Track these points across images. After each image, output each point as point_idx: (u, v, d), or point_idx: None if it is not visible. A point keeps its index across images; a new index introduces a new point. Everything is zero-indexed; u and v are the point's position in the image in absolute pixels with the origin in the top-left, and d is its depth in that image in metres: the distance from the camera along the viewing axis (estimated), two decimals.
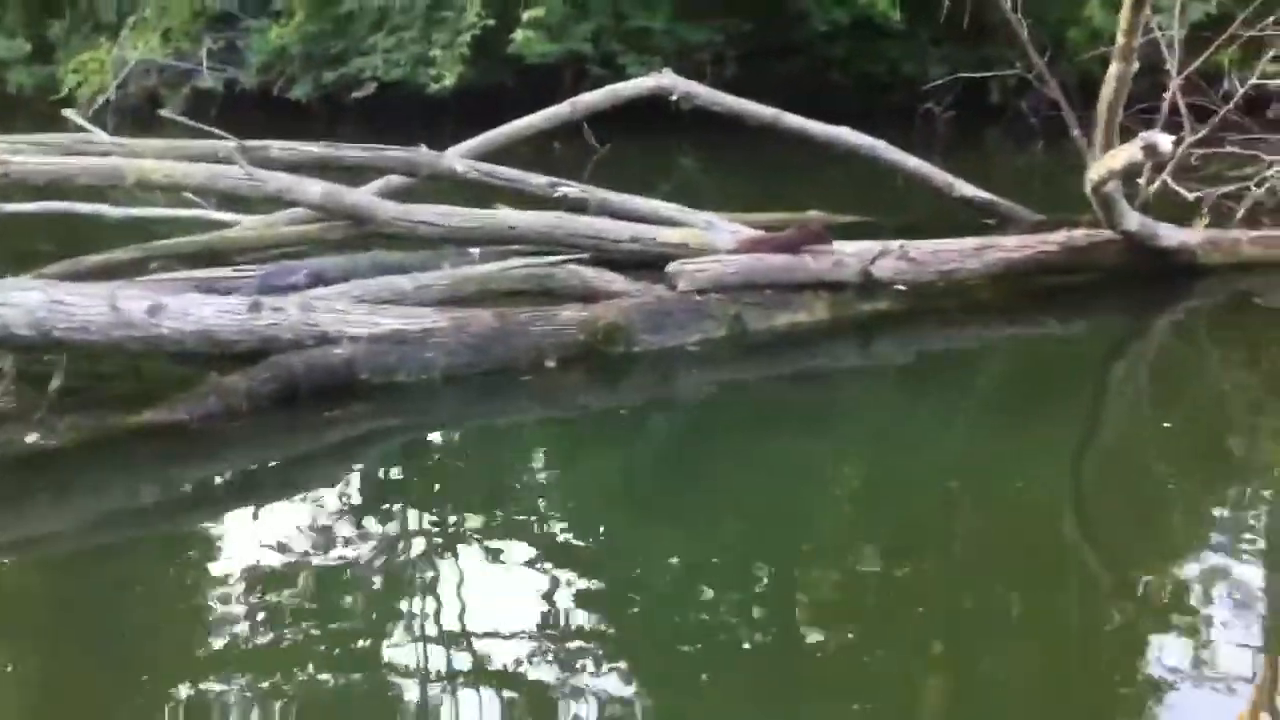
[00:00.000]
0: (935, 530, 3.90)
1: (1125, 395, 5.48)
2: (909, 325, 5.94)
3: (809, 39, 12.95)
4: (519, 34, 12.01)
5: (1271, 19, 7.92)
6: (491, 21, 12.35)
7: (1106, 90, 5.11)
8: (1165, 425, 4.80)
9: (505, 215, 5.87)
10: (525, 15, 11.99)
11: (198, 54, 14.76)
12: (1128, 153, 5.00)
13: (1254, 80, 7.57)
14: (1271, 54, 7.54)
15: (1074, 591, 3.49)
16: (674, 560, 3.69)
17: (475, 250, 5.80)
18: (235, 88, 14.71)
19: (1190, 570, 3.55)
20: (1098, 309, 6.40)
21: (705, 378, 5.36)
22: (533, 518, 4.07)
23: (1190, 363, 5.90)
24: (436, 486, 4.42)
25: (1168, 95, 7.69)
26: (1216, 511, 4.03)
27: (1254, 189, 7.28)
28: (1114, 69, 5.01)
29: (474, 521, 4.04)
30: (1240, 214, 7.18)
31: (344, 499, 4.21)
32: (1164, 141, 4.74)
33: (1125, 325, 6.45)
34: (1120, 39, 4.87)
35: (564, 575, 3.58)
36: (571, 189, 6.18)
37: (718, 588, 3.48)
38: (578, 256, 5.69)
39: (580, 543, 3.93)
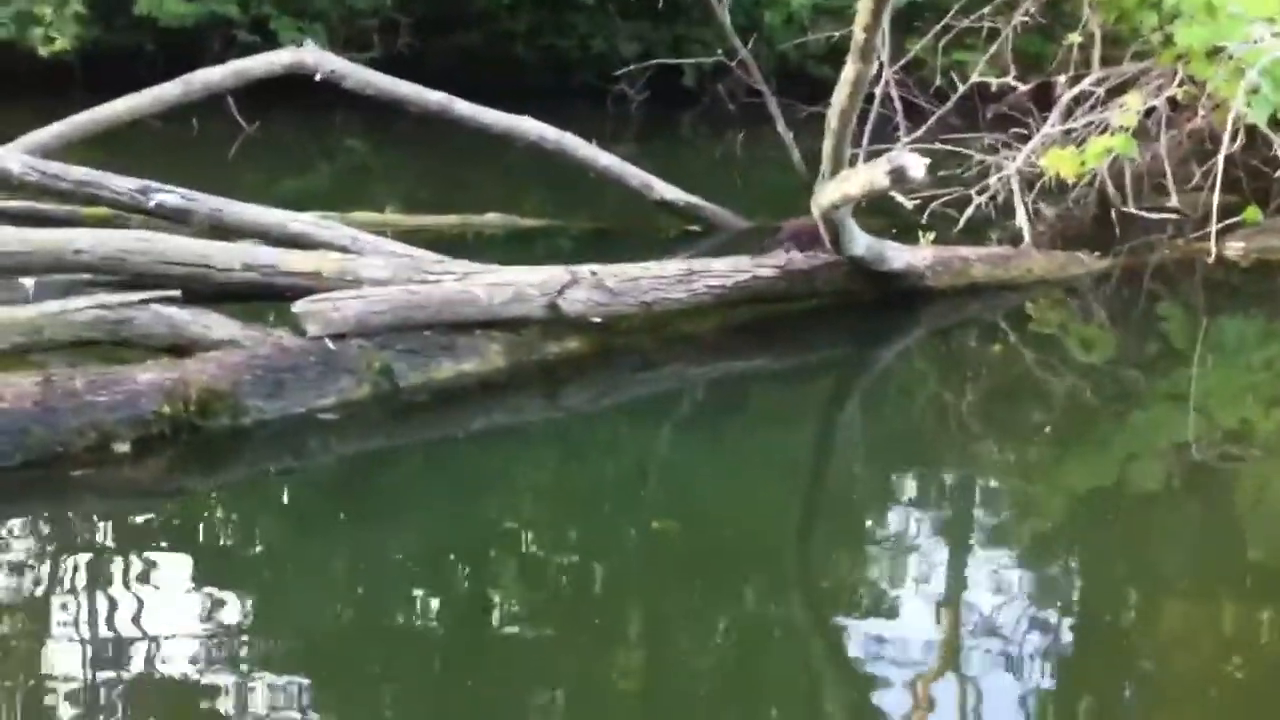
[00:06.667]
0: (631, 578, 3.56)
1: (839, 434, 4.91)
2: (603, 368, 5.07)
3: (490, 9, 12.02)
4: None
5: (987, 8, 7.40)
6: None
7: (840, 95, 4.12)
8: (873, 464, 4.48)
9: (67, 235, 4.38)
10: None
11: None
12: (868, 176, 4.04)
13: (975, 78, 6.90)
14: (991, 50, 6.88)
15: (773, 614, 3.40)
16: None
17: (29, 282, 4.30)
18: None
19: (889, 590, 3.47)
20: (818, 341, 5.75)
21: (343, 449, 4.33)
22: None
23: (913, 396, 5.36)
24: None
25: (879, 88, 7.06)
26: (923, 541, 3.79)
27: (976, 196, 6.66)
28: (849, 70, 4.02)
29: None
30: (961, 224, 6.56)
31: None
32: (915, 166, 3.80)
33: (847, 357, 5.89)
34: (858, 34, 3.87)
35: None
36: (170, 196, 4.73)
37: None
38: (168, 293, 4.26)
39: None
